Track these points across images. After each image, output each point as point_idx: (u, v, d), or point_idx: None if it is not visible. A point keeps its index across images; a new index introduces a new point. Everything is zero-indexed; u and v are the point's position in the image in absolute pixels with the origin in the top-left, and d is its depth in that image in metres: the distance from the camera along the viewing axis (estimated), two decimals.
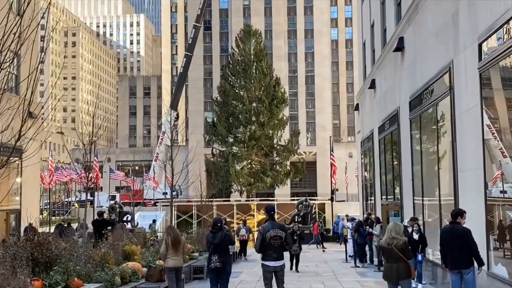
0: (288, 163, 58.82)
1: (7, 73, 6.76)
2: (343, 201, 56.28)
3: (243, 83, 57.40)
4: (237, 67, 58.08)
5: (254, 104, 56.21)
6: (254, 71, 57.30)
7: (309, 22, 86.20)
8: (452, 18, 11.08)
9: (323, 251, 29.19)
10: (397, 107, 17.06)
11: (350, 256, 21.43)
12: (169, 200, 29.68)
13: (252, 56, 57.71)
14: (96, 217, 19.53)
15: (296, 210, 40.96)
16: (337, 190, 51.45)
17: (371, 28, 23.22)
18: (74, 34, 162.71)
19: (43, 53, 7.61)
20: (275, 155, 57.16)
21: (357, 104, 28.57)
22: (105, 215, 21.25)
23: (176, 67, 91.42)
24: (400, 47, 16.04)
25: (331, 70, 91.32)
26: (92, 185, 30.25)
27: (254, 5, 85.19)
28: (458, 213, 8.92)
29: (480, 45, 9.50)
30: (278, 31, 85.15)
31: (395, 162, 18.28)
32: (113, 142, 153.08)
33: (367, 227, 19.49)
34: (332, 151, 46.18)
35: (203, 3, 57.34)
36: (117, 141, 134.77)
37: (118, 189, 67.33)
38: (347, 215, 28.80)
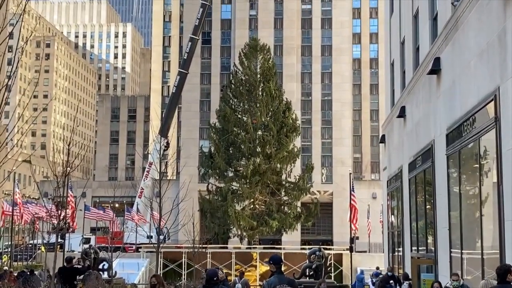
0: (299, 204, 58.63)
1: None
2: (365, 251, 55.89)
3: (247, 107, 57.75)
4: (240, 87, 58.52)
5: (260, 132, 56.40)
6: (260, 93, 57.70)
7: (327, 37, 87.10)
8: (498, 37, 11.18)
9: None
10: (432, 141, 17.07)
11: None
12: (155, 245, 29.54)
13: (259, 75, 58.20)
14: (64, 264, 19.35)
15: (307, 261, 40.49)
16: (357, 238, 51.12)
17: (401, 45, 23.42)
18: (48, 45, 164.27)
19: (13, 67, 7.70)
20: (283, 194, 57.04)
21: (383, 136, 28.62)
22: (74, 261, 21.08)
23: (168, 86, 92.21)
24: (435, 70, 16.14)
25: (352, 94, 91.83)
26: (66, 225, 30.19)
27: (262, 15, 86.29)
28: (507, 271, 8.81)
29: None
30: (290, 47, 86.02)
31: (428, 207, 18.19)
32: (90, 173, 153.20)
33: (392, 282, 19.32)
34: (353, 190, 46.05)
35: (202, 13, 58.21)
36: (94, 173, 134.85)
37: (93, 230, 67.09)
38: (377, 268, 28.50)
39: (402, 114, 21.80)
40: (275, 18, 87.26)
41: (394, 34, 25.55)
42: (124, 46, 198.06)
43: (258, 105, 57.06)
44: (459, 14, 13.97)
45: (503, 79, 10.97)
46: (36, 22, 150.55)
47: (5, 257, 48.48)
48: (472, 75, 13.13)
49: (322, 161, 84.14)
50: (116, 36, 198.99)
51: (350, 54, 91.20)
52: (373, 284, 20.80)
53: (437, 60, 16.07)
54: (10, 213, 41.27)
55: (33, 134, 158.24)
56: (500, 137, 11.16)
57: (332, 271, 41.60)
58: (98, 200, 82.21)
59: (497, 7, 11.27)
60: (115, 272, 32.49)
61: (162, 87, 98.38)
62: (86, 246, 41.63)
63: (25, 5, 7.79)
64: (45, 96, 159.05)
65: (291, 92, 76.42)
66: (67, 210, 26.56)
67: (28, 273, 25.33)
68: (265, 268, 43.95)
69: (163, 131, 57.19)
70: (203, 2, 59.92)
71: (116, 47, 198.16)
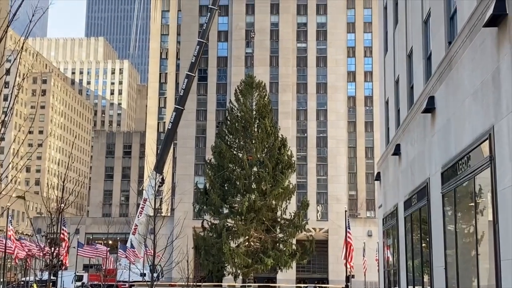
0: (294, 241, 58.28)
1: None
2: None
3: (243, 143, 57.84)
4: (236, 124, 58.69)
5: (255, 169, 56.37)
6: (256, 130, 57.86)
7: (322, 75, 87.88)
8: (492, 76, 11.29)
9: None
10: (427, 179, 17.08)
11: None
12: (148, 283, 29.20)
13: (254, 112, 58.45)
14: None
15: None
16: (353, 276, 50.74)
17: (395, 84, 23.61)
18: (44, 81, 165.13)
19: (9, 103, 7.72)
20: (278, 231, 56.73)
21: (378, 173, 28.61)
22: None
23: (164, 122, 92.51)
24: (430, 108, 16.24)
25: (347, 131, 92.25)
26: (59, 262, 29.88)
27: (258, 53, 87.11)
28: None
29: None
30: (286, 84, 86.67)
31: (424, 245, 18.10)
32: (84, 210, 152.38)
33: None
34: (349, 228, 45.88)
35: (199, 50, 58.72)
36: (88, 209, 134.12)
37: (86, 267, 66.39)
38: None
39: (397, 152, 21.85)
40: (270, 56, 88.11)
41: (388, 73, 25.78)
42: (120, 83, 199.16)
43: (253, 142, 57.15)
44: (452, 54, 14.13)
45: (498, 118, 11.04)
46: (34, 59, 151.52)
47: None
48: (466, 114, 13.21)
49: (318, 198, 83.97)
50: (113, 73, 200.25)
51: (345, 92, 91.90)
52: None
53: (431, 99, 16.18)
54: (3, 250, 40.85)
55: (28, 170, 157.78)
56: (495, 176, 11.18)
57: None
58: (91, 237, 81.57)
59: (490, 47, 11.41)
60: None
61: (158, 123, 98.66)
62: (79, 283, 41.19)
63: (23, 43, 7.85)
64: (41, 132, 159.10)
65: (287, 129, 76.70)
66: (61, 248, 26.31)
67: None
68: None
69: (158, 167, 57.13)
70: (200, 40, 60.56)
71: (112, 83, 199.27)
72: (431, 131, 16.71)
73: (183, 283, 38.32)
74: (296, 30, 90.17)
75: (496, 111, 11.15)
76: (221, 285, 53.39)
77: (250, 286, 52.68)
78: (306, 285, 46.96)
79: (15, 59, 7.85)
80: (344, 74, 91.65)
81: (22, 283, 59.57)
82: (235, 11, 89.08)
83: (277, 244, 56.15)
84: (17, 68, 8.73)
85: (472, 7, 12.67)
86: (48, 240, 22.35)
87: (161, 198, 50.64)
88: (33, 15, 8.29)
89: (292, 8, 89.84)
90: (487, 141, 11.55)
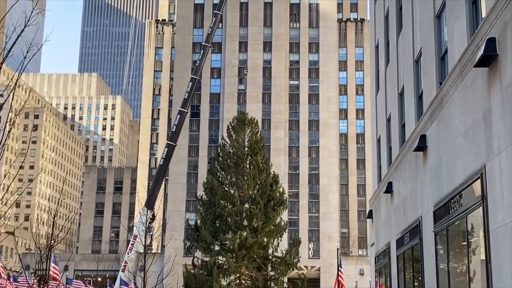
0: (286, 279, 57.70)
1: None
2: None
3: (234, 179, 57.66)
4: (228, 160, 58.59)
5: (247, 206, 56.10)
6: (248, 166, 57.77)
7: (314, 112, 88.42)
8: (484, 116, 11.40)
9: None
10: (419, 217, 17.07)
11: None
12: None
13: (246, 149, 58.46)
14: None
15: None
16: None
17: (387, 122, 23.76)
18: (36, 116, 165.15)
19: (2, 139, 7.70)
20: (269, 269, 56.18)
21: (371, 211, 28.58)
22: None
23: (156, 158, 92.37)
24: (421, 147, 16.33)
25: (339, 168, 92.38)
26: None
27: (250, 90, 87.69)
28: None
29: None
30: (278, 121, 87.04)
31: (417, 284, 18.00)
32: (73, 246, 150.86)
33: None
34: (340, 266, 45.55)
35: (192, 86, 58.89)
36: (77, 245, 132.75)
37: None
38: None
39: (389, 189, 21.87)
40: (263, 92, 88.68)
41: (380, 111, 25.96)
42: (113, 118, 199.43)
43: (245, 178, 57.01)
44: (444, 93, 14.28)
45: (489, 158, 11.11)
46: (27, 94, 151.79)
47: None
48: (458, 152, 13.29)
49: (309, 235, 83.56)
50: (105, 108, 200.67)
51: (337, 129, 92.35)
52: None
53: (423, 137, 16.28)
54: None
55: (17, 205, 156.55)
56: (487, 215, 11.19)
57: None
58: (80, 274, 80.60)
59: (481, 86, 11.55)
60: None
61: (150, 159, 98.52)
62: None
63: (17, 80, 7.89)
64: (31, 167, 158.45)
65: (279, 166, 76.71)
66: (52, 286, 25.92)
67: None
68: None
69: (149, 203, 56.73)
70: (193, 76, 60.85)
71: (105, 118, 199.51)
72: (423, 169, 16.77)
73: None
74: (289, 68, 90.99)
75: (487, 150, 11.22)
76: None
77: None
78: None
79: (8, 95, 7.86)
80: (336, 112, 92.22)
81: None
82: (228, 48, 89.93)
83: (269, 282, 55.56)
84: (10, 104, 8.73)
85: (462, 47, 12.86)
86: (37, 278, 22.03)
87: (152, 235, 50.15)
88: (27, 52, 8.34)
89: (285, 46, 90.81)
90: (479, 180, 11.60)
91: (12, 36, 8.11)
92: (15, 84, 7.79)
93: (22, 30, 7.90)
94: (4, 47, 8.09)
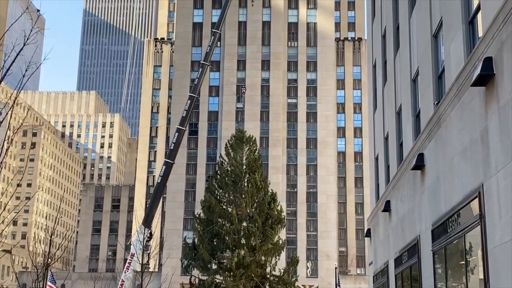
0: None
1: None
2: None
3: (232, 197, 57.56)
4: (226, 178, 58.53)
5: (245, 224, 55.94)
6: (245, 184, 57.70)
7: (312, 130, 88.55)
8: (481, 135, 11.42)
9: None
10: (417, 236, 17.03)
11: None
12: None
13: (244, 167, 58.43)
14: None
15: None
16: None
17: (384, 141, 23.79)
18: (34, 134, 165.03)
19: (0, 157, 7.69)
20: (267, 287, 55.90)
21: (369, 230, 28.51)
22: None
23: (154, 176, 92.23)
24: (419, 165, 16.33)
25: (337, 187, 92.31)
26: None
27: (249, 108, 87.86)
28: None
29: None
30: (276, 139, 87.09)
31: None
32: (70, 264, 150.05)
33: None
34: (339, 285, 45.35)
35: (190, 104, 58.99)
36: (74, 264, 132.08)
37: None
38: None
39: (387, 208, 21.83)
40: (261, 111, 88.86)
41: (378, 129, 26.00)
42: (111, 136, 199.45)
43: (243, 196, 56.91)
44: (441, 112, 14.32)
45: (487, 176, 11.11)
46: (25, 112, 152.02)
47: None
48: (455, 171, 13.29)
49: (307, 254, 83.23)
50: (104, 126, 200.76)
51: (335, 147, 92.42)
52: None
53: (420, 156, 16.30)
54: None
55: (14, 223, 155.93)
56: (486, 234, 11.17)
57: None
58: None
59: (479, 106, 11.58)
60: None
61: (148, 177, 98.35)
62: None
63: (16, 98, 7.90)
64: (29, 185, 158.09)
65: (277, 184, 76.62)
66: None
67: None
68: None
69: (147, 222, 56.52)
70: (191, 94, 60.99)
71: (103, 136, 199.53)
72: (420, 188, 16.76)
73: None
74: (287, 86, 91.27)
75: (485, 169, 11.23)
76: None
77: None
78: None
79: (7, 113, 7.88)
80: (334, 130, 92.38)
81: None
82: (227, 66, 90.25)
83: None
84: (8, 122, 8.74)
85: (459, 67, 12.93)
86: None
87: (149, 253, 50.00)
88: (26, 70, 8.36)
89: (283, 65, 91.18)
90: (477, 199, 11.59)
91: (11, 54, 8.14)
92: (14, 102, 7.80)
93: (21, 49, 7.93)
94: (3, 66, 8.12)
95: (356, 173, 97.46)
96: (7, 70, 7.67)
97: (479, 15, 12.11)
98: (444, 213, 13.97)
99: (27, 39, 7.99)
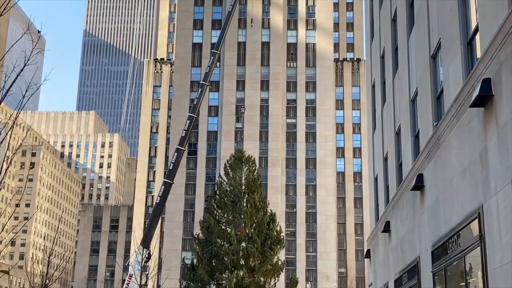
0: None
1: None
2: None
3: (231, 218, 57.41)
4: (225, 198, 58.43)
5: (244, 244, 55.71)
6: (245, 204, 57.58)
7: (311, 150, 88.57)
8: (480, 155, 11.43)
9: None
10: (417, 257, 16.96)
11: None
12: None
13: (243, 187, 58.35)
14: None
15: None
16: None
17: (384, 161, 23.79)
18: (33, 154, 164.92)
19: None
20: None
21: (368, 251, 28.39)
22: None
23: (152, 196, 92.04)
24: (419, 186, 16.32)
25: (336, 207, 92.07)
26: None
27: (248, 128, 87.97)
28: None
29: None
30: (275, 159, 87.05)
31: None
32: (68, 285, 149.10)
33: None
34: None
35: (189, 124, 59.06)
36: (72, 285, 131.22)
37: None
38: None
39: (386, 229, 21.76)
40: (260, 130, 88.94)
41: (377, 150, 26.02)
42: (110, 156, 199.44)
43: (242, 217, 56.77)
44: (440, 132, 14.34)
45: (486, 197, 11.10)
46: (24, 132, 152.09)
47: None
48: (455, 192, 13.27)
49: (307, 275, 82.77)
50: (103, 146, 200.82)
51: (334, 168, 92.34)
52: None
53: (420, 177, 16.29)
54: None
55: (12, 244, 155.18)
56: (486, 255, 11.12)
57: None
58: None
59: (477, 126, 11.61)
60: None
61: (146, 197, 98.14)
62: None
63: (16, 118, 7.91)
64: (27, 205, 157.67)
65: (276, 204, 76.44)
66: None
67: None
68: None
69: (146, 242, 56.27)
70: (191, 114, 61.11)
71: (102, 156, 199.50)
72: (420, 208, 16.73)
73: None
74: (286, 106, 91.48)
75: (484, 190, 11.22)
76: None
77: None
78: None
79: (6, 134, 7.88)
80: (333, 150, 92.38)
81: None
82: (226, 87, 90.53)
83: None
84: (8, 143, 8.75)
85: (458, 88, 12.97)
86: None
87: (147, 274, 49.64)
88: (26, 91, 8.38)
89: (282, 85, 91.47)
90: (477, 220, 11.57)
91: (11, 75, 8.17)
92: (13, 123, 7.81)
93: (22, 70, 7.97)
94: (3, 86, 8.14)
95: (356, 194, 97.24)
96: (7, 91, 7.69)
97: (477, 37, 12.18)
98: (444, 234, 13.93)
99: (28, 60, 8.03)
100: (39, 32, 10.14)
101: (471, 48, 12.87)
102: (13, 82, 7.73)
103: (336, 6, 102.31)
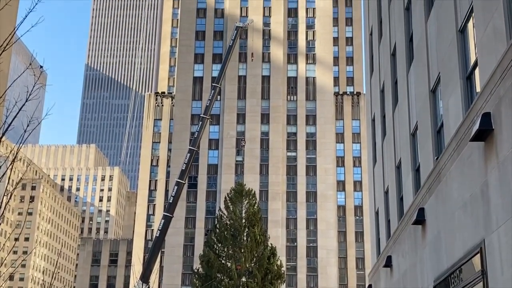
0: None
1: None
2: None
3: (231, 252, 57.04)
4: (225, 232, 58.16)
5: (244, 279, 55.26)
6: (245, 238, 57.28)
7: (312, 183, 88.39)
8: (481, 190, 11.41)
9: None
10: None
11: None
12: None
13: (244, 220, 58.12)
14: None
15: None
16: None
17: (385, 195, 23.74)
18: (33, 188, 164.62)
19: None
20: None
21: (370, 286, 28.15)
22: None
23: (152, 230, 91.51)
24: (420, 220, 16.26)
25: (337, 241, 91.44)
26: None
27: (248, 161, 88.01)
28: None
29: None
30: (275, 192, 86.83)
31: None
32: None
33: None
34: None
35: (190, 158, 59.12)
36: None
37: None
38: None
39: (388, 263, 21.61)
40: (260, 164, 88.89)
41: (377, 183, 25.98)
42: (110, 189, 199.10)
43: (242, 251, 56.42)
44: (441, 166, 14.34)
45: (488, 232, 11.05)
46: (24, 165, 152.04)
47: None
48: (456, 226, 13.22)
49: None
50: (103, 179, 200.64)
51: (335, 201, 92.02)
52: None
53: (421, 211, 16.24)
54: None
55: (11, 278, 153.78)
56: None
57: None
58: None
59: (478, 160, 11.61)
60: None
61: (146, 230, 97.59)
62: None
63: (16, 153, 7.93)
64: (27, 239, 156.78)
65: (276, 238, 75.99)
66: None
67: None
68: None
69: (145, 277, 55.83)
70: (191, 147, 61.25)
71: (102, 190, 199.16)
72: (422, 243, 16.63)
73: None
74: (286, 139, 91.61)
75: (486, 225, 11.17)
76: None
77: None
78: None
79: (7, 169, 7.88)
80: (334, 183, 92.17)
81: None
82: (226, 120, 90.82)
83: None
84: (8, 177, 8.75)
85: (458, 122, 13.02)
86: None
87: None
88: (27, 125, 8.41)
89: (282, 118, 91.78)
90: (478, 254, 11.50)
91: (13, 109, 8.22)
92: (14, 158, 7.83)
93: (23, 105, 8.02)
94: (5, 121, 8.18)
95: (357, 227, 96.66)
96: (8, 126, 7.72)
97: (477, 71, 12.27)
98: (446, 268, 13.83)
99: (29, 95, 8.09)
100: (41, 67, 10.23)
101: (470, 82, 12.96)
102: (14, 117, 7.77)
103: (335, 40, 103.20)
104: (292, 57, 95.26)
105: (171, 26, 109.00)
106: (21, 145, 7.78)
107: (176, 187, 59.69)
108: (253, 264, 55.98)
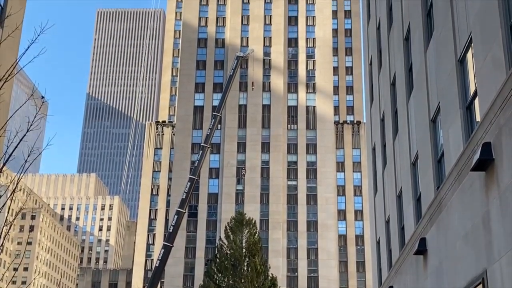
0: None
1: None
2: None
3: (232, 282, 56.60)
4: (226, 262, 57.80)
5: None
6: (245, 268, 56.89)
7: (313, 212, 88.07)
8: (483, 219, 11.36)
9: None
10: None
11: None
12: None
13: (244, 250, 57.79)
14: None
15: None
16: None
17: (386, 224, 23.63)
18: (33, 217, 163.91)
19: None
20: None
21: None
22: None
23: (152, 259, 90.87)
24: (422, 250, 16.16)
25: (338, 271, 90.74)
26: None
27: (248, 190, 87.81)
28: None
29: None
30: (276, 222, 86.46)
31: None
32: None
33: None
34: None
35: (190, 187, 59.01)
36: None
37: None
38: None
39: None
40: (261, 193, 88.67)
41: (378, 213, 25.89)
42: (109, 219, 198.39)
43: (243, 281, 55.98)
44: (442, 196, 14.30)
45: (490, 262, 10.97)
46: (25, 196, 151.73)
47: None
48: (458, 256, 13.13)
49: None
50: (103, 209, 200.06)
51: (336, 230, 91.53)
52: None
53: (422, 241, 16.15)
54: None
55: None
56: None
57: None
58: None
59: (479, 190, 11.58)
60: None
61: (146, 260, 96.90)
62: None
63: (17, 184, 7.92)
64: (26, 269, 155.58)
65: (277, 268, 75.43)
66: None
67: None
68: None
69: None
70: (191, 176, 61.19)
71: (101, 219, 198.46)
72: (424, 273, 16.51)
73: None
74: (287, 168, 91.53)
75: (488, 255, 11.10)
76: None
77: None
78: None
79: (7, 199, 7.87)
80: (335, 213, 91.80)
81: None
82: (227, 149, 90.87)
83: None
84: (9, 207, 8.73)
85: (459, 151, 13.02)
86: None
87: None
88: (28, 156, 8.42)
89: (283, 147, 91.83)
90: (481, 285, 11.40)
91: (14, 140, 8.24)
92: (14, 189, 7.82)
93: (24, 135, 8.04)
94: (6, 151, 8.19)
95: (358, 257, 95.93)
96: (9, 156, 7.73)
97: (476, 101, 12.31)
98: None
99: (30, 125, 8.11)
100: (42, 97, 10.28)
101: (470, 112, 12.99)
102: (15, 147, 7.78)
103: (335, 70, 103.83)
104: (292, 86, 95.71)
105: (172, 56, 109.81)
106: (21, 175, 7.78)
107: (176, 216, 59.44)
108: None
